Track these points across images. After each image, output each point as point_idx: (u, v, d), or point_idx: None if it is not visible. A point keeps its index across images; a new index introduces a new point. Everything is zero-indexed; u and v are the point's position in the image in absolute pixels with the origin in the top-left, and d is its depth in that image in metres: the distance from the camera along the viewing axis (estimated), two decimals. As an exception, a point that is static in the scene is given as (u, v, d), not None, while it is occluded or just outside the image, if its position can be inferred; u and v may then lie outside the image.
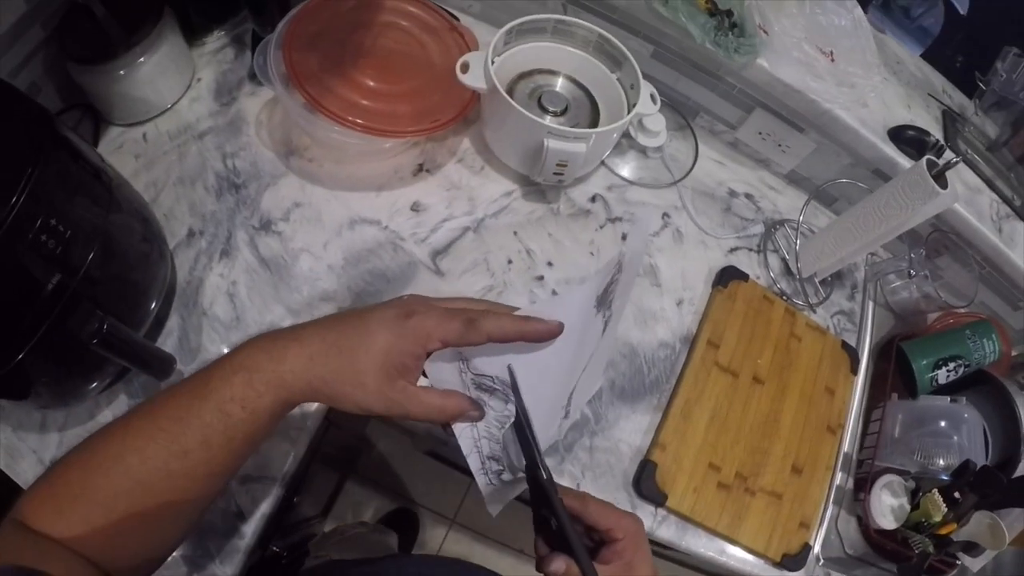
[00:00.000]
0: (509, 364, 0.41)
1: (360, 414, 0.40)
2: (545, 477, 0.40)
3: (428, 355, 0.40)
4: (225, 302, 0.67)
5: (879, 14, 1.23)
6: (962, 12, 1.14)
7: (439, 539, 1.51)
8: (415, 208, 0.78)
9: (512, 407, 0.42)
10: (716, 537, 0.74)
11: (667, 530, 0.72)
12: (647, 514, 0.72)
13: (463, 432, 0.42)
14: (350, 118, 0.70)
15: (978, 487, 0.81)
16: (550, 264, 0.77)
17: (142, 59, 0.71)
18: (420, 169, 0.80)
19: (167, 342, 0.64)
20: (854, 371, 0.86)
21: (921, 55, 1.12)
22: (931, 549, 0.82)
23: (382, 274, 0.72)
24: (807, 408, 0.80)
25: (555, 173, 0.75)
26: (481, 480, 0.44)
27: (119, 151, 0.74)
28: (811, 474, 0.79)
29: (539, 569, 0.43)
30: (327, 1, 0.77)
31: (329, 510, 1.29)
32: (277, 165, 0.77)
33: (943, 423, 0.85)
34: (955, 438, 0.85)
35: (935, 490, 0.81)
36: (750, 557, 0.76)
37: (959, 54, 1.06)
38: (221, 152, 0.76)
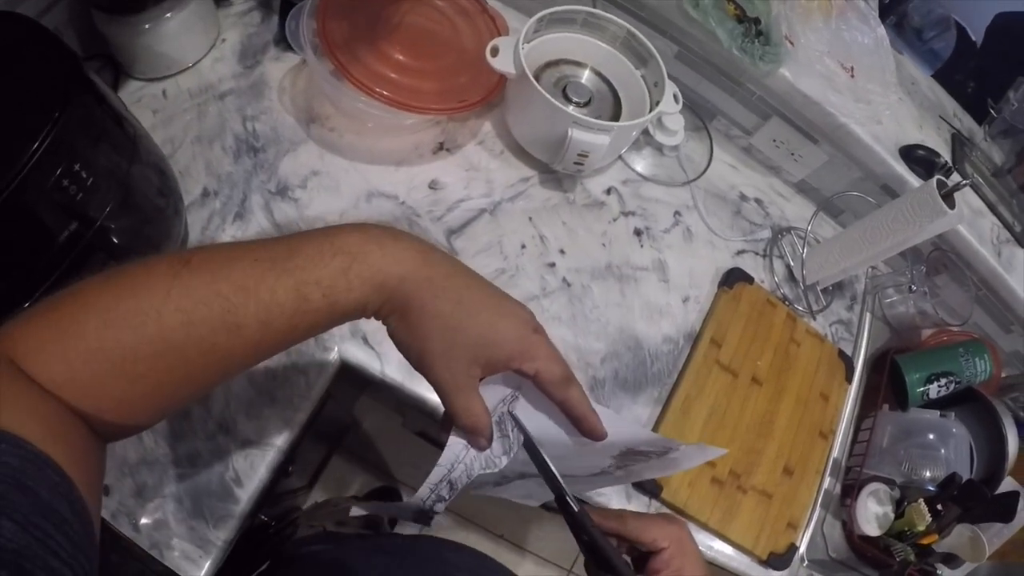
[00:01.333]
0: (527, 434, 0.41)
1: (416, 369, 0.37)
2: (577, 510, 0.40)
3: (516, 372, 0.38)
4: None
5: (892, 33, 1.25)
6: (976, 41, 1.17)
7: None
8: (433, 186, 0.78)
9: (505, 460, 0.41)
10: (706, 531, 0.75)
11: None
12: (641, 505, 0.73)
13: (455, 446, 0.41)
14: (377, 89, 0.70)
15: (962, 500, 0.83)
16: (562, 252, 0.78)
17: (169, 14, 0.71)
18: (440, 148, 0.81)
19: None
20: (848, 379, 0.88)
21: (932, 77, 1.14)
22: (912, 558, 0.84)
23: None
24: (802, 412, 0.82)
25: (575, 163, 0.76)
26: (422, 492, 0.42)
27: (137, 105, 0.73)
28: (801, 476, 0.80)
29: None
30: None
31: (314, 483, 1.30)
32: (297, 132, 0.76)
33: (931, 436, 0.87)
34: (942, 451, 0.87)
35: (920, 500, 0.83)
36: (738, 553, 0.77)
37: (971, 80, 1.09)
38: (241, 114, 0.76)
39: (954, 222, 0.75)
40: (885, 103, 0.89)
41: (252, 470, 0.60)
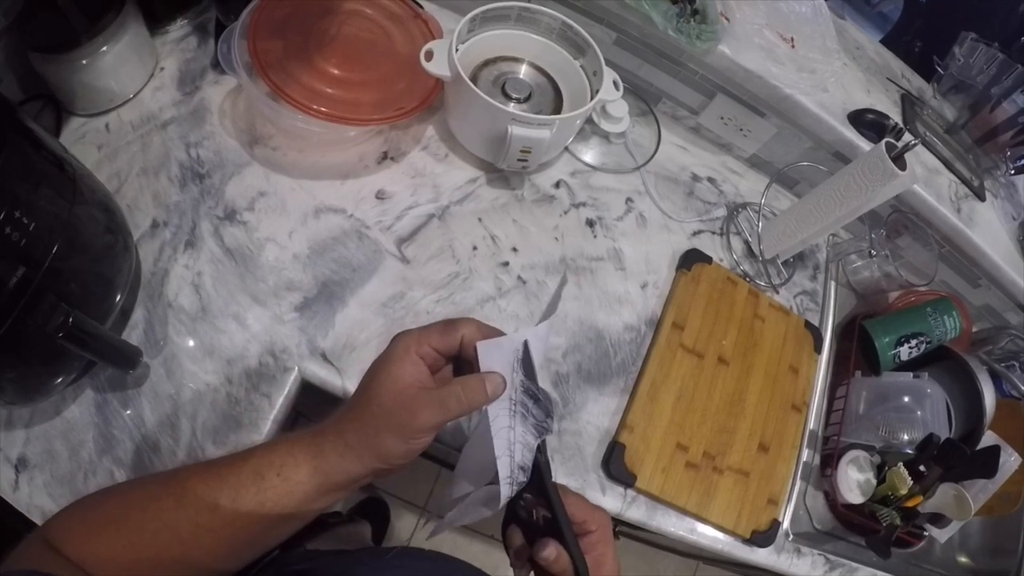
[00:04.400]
0: (526, 339, 0.42)
1: (411, 450, 0.41)
2: (543, 460, 0.41)
3: (424, 359, 0.41)
4: (190, 293, 0.66)
5: (840, 0, 1.26)
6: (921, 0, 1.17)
7: (410, 528, 1.51)
8: (380, 196, 0.78)
9: (551, 421, 0.43)
10: (686, 516, 0.75)
11: (637, 511, 0.73)
12: (617, 496, 0.72)
13: (499, 432, 0.41)
14: (314, 106, 0.70)
15: (942, 460, 0.83)
16: (515, 250, 0.77)
17: (104, 48, 0.70)
18: (384, 157, 0.80)
19: (132, 334, 0.63)
20: (818, 350, 0.87)
21: (881, 41, 1.14)
22: (898, 522, 0.84)
23: (347, 262, 0.72)
24: (772, 387, 0.81)
25: (519, 160, 0.76)
26: (505, 491, 0.41)
27: (81, 141, 0.73)
28: (777, 452, 0.80)
29: (520, 557, 0.43)
30: None
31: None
32: (241, 154, 0.76)
33: (906, 398, 0.87)
34: (918, 413, 0.87)
35: (900, 464, 0.83)
36: (720, 535, 0.77)
37: (918, 40, 1.09)
38: (185, 142, 0.75)
39: (907, 183, 0.74)
40: (829, 70, 0.89)
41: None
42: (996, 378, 0.94)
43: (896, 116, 0.96)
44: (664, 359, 0.77)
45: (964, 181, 0.98)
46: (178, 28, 0.83)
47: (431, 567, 0.47)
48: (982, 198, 0.98)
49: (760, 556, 0.80)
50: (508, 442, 0.42)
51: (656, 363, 0.76)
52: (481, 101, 0.72)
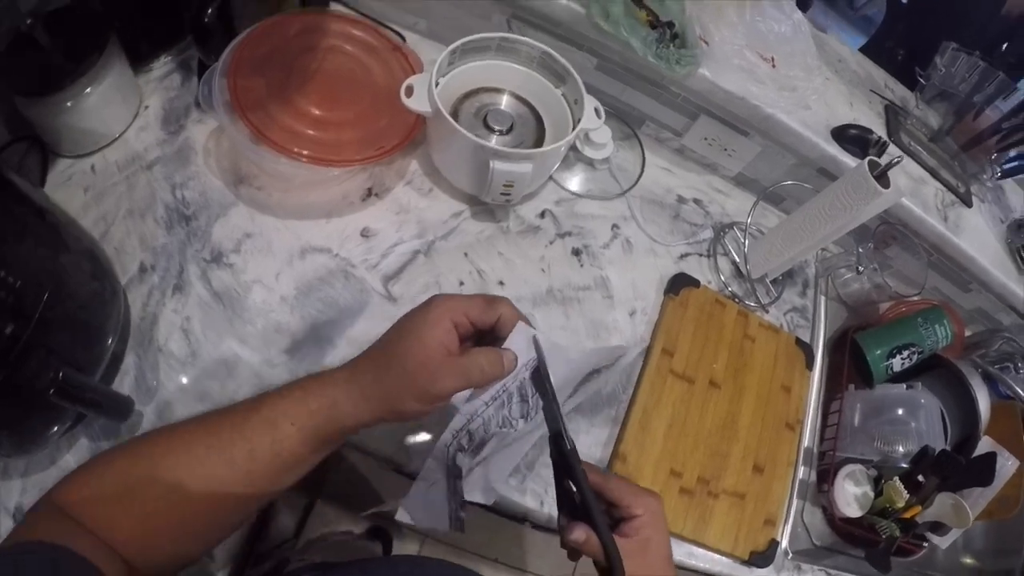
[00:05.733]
0: (535, 335, 0.44)
1: (427, 411, 0.42)
2: (569, 447, 0.42)
3: (456, 328, 0.42)
4: (180, 338, 0.66)
5: (822, 6, 1.26)
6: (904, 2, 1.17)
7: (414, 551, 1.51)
8: (365, 234, 0.78)
9: (522, 423, 0.46)
10: (683, 542, 0.75)
11: None
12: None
13: (476, 401, 0.44)
14: (295, 149, 0.70)
15: (938, 471, 0.83)
16: (501, 283, 0.78)
17: (88, 90, 0.70)
18: (369, 194, 0.81)
19: (124, 380, 0.63)
20: (809, 366, 0.88)
21: (863, 49, 1.14)
22: (897, 533, 0.84)
23: (334, 302, 0.72)
24: (764, 408, 0.82)
25: (502, 193, 0.76)
26: (444, 437, 0.45)
27: (68, 184, 0.73)
28: (772, 471, 0.80)
29: (562, 540, 0.44)
30: (271, 28, 0.77)
31: (300, 532, 1.29)
32: (226, 195, 0.76)
33: (900, 411, 0.87)
34: (913, 424, 0.87)
35: (896, 478, 0.83)
36: (718, 557, 0.77)
37: (900, 48, 1.09)
38: (170, 183, 0.75)
39: (891, 200, 0.74)
40: (810, 87, 0.89)
41: (222, 543, 0.60)
42: (991, 381, 0.94)
43: (880, 128, 0.97)
44: (655, 386, 0.77)
45: (950, 188, 0.98)
46: (162, 65, 0.83)
47: (440, 570, 0.49)
48: (969, 204, 0.99)
49: (760, 576, 0.81)
50: (475, 411, 0.44)
51: (647, 390, 0.77)
52: (462, 137, 0.72)
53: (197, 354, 0.66)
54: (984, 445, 0.89)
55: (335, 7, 0.91)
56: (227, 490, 0.40)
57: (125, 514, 0.38)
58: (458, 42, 0.77)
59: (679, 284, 0.84)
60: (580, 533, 0.42)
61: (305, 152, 0.70)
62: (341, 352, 0.69)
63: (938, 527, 0.90)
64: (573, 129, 0.78)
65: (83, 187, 0.73)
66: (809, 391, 0.87)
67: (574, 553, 0.45)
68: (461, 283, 0.76)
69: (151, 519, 0.38)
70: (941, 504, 0.86)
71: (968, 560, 1.16)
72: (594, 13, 0.79)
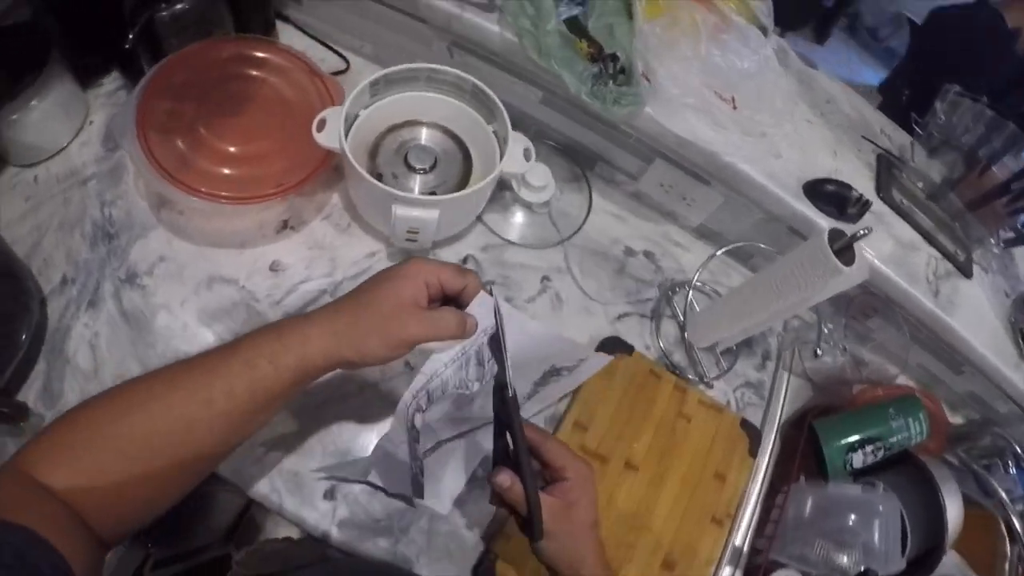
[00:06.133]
0: (495, 302, 0.48)
1: (390, 356, 0.44)
2: (510, 395, 0.44)
3: (427, 287, 0.46)
4: (87, 352, 0.66)
5: (845, 35, 1.13)
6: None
7: None
8: (274, 268, 0.74)
9: (477, 385, 0.49)
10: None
11: None
12: None
13: (435, 361, 0.47)
14: (203, 189, 0.67)
15: None
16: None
17: (34, 102, 0.70)
18: (284, 226, 0.76)
19: (33, 385, 0.63)
20: (753, 453, 0.78)
21: (883, 86, 1.02)
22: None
23: (232, 335, 0.68)
24: (688, 497, 0.73)
25: (408, 239, 0.70)
26: (405, 397, 0.46)
27: (12, 191, 0.74)
28: (686, 570, 0.71)
29: (489, 483, 0.47)
30: (193, 55, 0.74)
31: (232, 536, 1.26)
32: (149, 217, 0.75)
33: (852, 517, 0.76)
34: (863, 537, 0.76)
35: None
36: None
37: (907, 87, 0.96)
38: (100, 200, 0.75)
39: (854, 280, 0.63)
40: (780, 133, 0.78)
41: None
42: (979, 480, 0.82)
43: (869, 181, 0.85)
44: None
45: (947, 255, 0.85)
46: (111, 81, 0.83)
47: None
48: (968, 274, 0.86)
49: None
50: (435, 371, 0.47)
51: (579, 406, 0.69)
52: (363, 179, 0.66)
53: (99, 371, 0.66)
54: (949, 563, 0.77)
55: (282, 29, 0.87)
56: (204, 434, 0.41)
57: (95, 467, 0.37)
58: (379, 73, 0.71)
59: (609, 348, 0.75)
60: (505, 478, 0.44)
61: (203, 190, 0.67)
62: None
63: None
64: (495, 171, 0.70)
65: (24, 196, 0.74)
66: (749, 480, 0.77)
67: (495, 497, 0.47)
68: None
69: (126, 476, 0.38)
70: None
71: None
72: (527, 45, 0.71)
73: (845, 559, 0.74)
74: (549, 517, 0.45)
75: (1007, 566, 0.84)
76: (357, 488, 0.65)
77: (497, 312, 0.48)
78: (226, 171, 0.70)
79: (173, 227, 0.74)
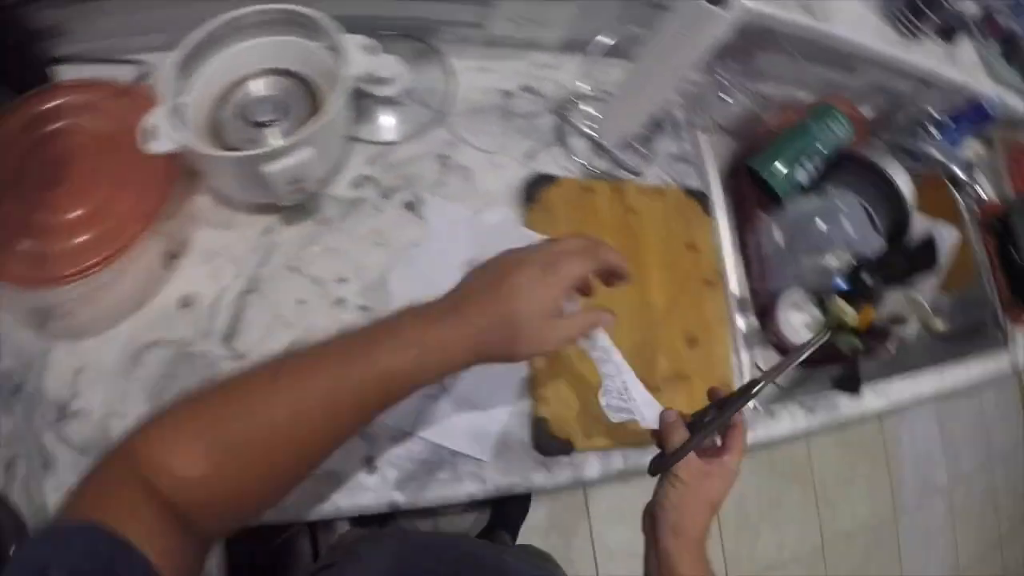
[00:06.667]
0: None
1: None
2: (759, 388, 0.50)
3: (572, 289, 0.45)
4: None
5: None
6: None
7: None
8: (186, 303, 0.66)
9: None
10: (639, 448, 0.70)
11: (592, 468, 0.68)
12: (564, 468, 0.67)
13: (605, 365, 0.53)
14: (71, 271, 0.58)
15: (878, 279, 0.77)
16: (343, 280, 0.68)
17: None
18: (170, 258, 0.68)
19: None
20: (708, 211, 0.79)
21: None
22: (859, 344, 0.78)
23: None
24: (673, 276, 0.74)
25: (294, 193, 0.66)
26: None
27: None
28: (708, 337, 0.74)
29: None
30: None
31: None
32: (37, 342, 0.64)
33: (819, 221, 0.80)
34: (838, 231, 0.80)
35: (835, 297, 0.77)
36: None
37: None
38: None
39: (730, 18, 0.62)
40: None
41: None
42: (913, 155, 0.86)
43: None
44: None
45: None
46: None
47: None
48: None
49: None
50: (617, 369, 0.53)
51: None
52: (219, 158, 0.61)
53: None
54: (918, 224, 0.82)
55: (64, 71, 0.76)
56: (326, 439, 0.40)
57: (213, 461, 0.36)
58: (177, 50, 0.65)
59: (534, 188, 0.74)
60: (672, 413, 0.49)
61: (88, 263, 0.58)
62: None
63: (898, 322, 0.84)
64: (339, 86, 0.66)
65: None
66: (718, 238, 0.79)
67: (656, 434, 0.51)
68: (301, 302, 0.67)
69: (241, 467, 0.37)
70: (895, 303, 0.80)
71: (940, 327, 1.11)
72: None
73: (834, 261, 0.77)
74: (685, 469, 0.47)
75: (963, 209, 0.90)
76: (389, 449, 0.63)
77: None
78: (83, 238, 0.61)
79: (68, 333, 0.65)
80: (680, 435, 0.48)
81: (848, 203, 0.80)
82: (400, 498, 0.61)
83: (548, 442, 0.66)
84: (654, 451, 0.53)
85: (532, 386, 0.67)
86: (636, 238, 0.75)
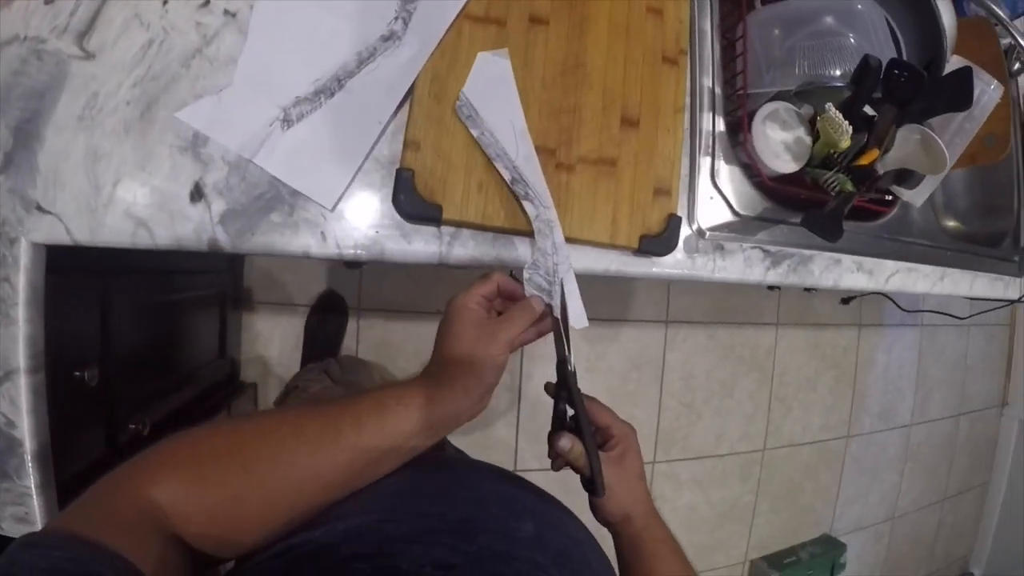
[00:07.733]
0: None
1: (505, 360, 0.45)
2: (571, 370, 0.47)
3: (476, 308, 0.46)
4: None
5: None
6: None
7: (352, 334, 1.38)
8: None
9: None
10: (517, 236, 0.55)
11: (464, 249, 0.54)
12: (430, 238, 0.54)
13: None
14: None
15: (892, 92, 0.59)
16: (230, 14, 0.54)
17: None
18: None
19: None
20: (689, -23, 0.62)
21: None
22: (851, 187, 0.61)
23: (35, 92, 0.52)
24: (624, 40, 0.58)
25: None
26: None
27: None
28: (653, 122, 0.58)
29: (549, 450, 0.48)
30: None
31: (224, 352, 1.16)
32: None
33: (829, 19, 0.63)
34: (850, 37, 0.63)
35: (830, 105, 0.59)
36: (597, 252, 0.57)
37: None
38: None
39: None
40: None
41: (15, 407, 0.50)
42: None
43: None
44: (445, 45, 0.53)
45: None
46: None
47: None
48: None
49: (667, 266, 0.60)
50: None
51: (436, 52, 0.53)
52: None
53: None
54: (954, 65, 0.63)
55: None
56: (332, 467, 0.39)
57: (219, 486, 0.36)
58: None
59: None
60: (566, 442, 0.46)
61: None
62: (51, 144, 0.51)
63: (906, 176, 0.67)
64: None
65: None
66: (694, 9, 0.62)
67: (557, 464, 0.49)
68: (165, 2, 0.52)
69: (244, 491, 0.37)
70: (905, 142, 0.62)
71: (951, 223, 0.93)
72: None
73: (836, 70, 0.60)
74: (605, 467, 0.47)
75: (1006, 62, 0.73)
76: (221, 176, 0.52)
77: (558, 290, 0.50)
78: None
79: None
80: (576, 450, 0.46)
81: (868, 9, 0.63)
82: (223, 238, 0.51)
83: (411, 200, 0.51)
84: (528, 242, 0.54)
85: (406, 128, 0.52)
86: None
